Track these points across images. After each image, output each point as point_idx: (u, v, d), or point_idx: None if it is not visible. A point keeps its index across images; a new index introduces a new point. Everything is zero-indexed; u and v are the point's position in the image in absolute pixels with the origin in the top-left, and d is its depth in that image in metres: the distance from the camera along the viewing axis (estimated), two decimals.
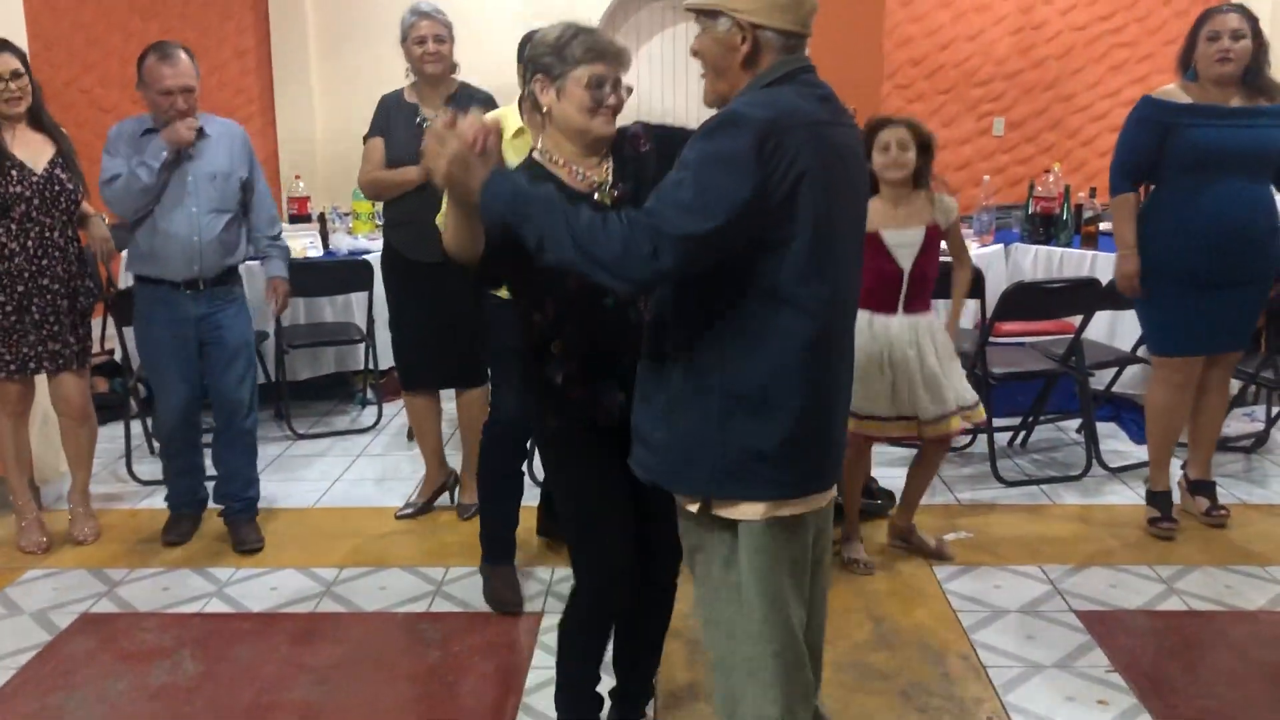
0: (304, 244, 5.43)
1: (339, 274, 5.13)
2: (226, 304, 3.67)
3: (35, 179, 3.56)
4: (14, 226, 3.54)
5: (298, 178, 6.49)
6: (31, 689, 2.89)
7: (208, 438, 3.84)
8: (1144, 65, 7.17)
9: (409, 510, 4.02)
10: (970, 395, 3.42)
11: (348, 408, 5.46)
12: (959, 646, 3.03)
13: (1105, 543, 3.73)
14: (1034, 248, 5.30)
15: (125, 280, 5.36)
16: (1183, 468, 4.01)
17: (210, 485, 3.87)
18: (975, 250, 5.23)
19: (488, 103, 3.81)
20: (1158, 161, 3.60)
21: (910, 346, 3.31)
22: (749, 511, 1.87)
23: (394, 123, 3.79)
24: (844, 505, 3.48)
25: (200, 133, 3.52)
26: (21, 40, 4.14)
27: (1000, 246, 5.34)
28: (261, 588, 3.48)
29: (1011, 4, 7.23)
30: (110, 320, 4.71)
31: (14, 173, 3.52)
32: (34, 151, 3.60)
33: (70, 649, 3.10)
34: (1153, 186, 3.74)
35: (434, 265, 3.50)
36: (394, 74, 3.96)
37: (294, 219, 6.07)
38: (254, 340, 3.88)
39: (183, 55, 3.50)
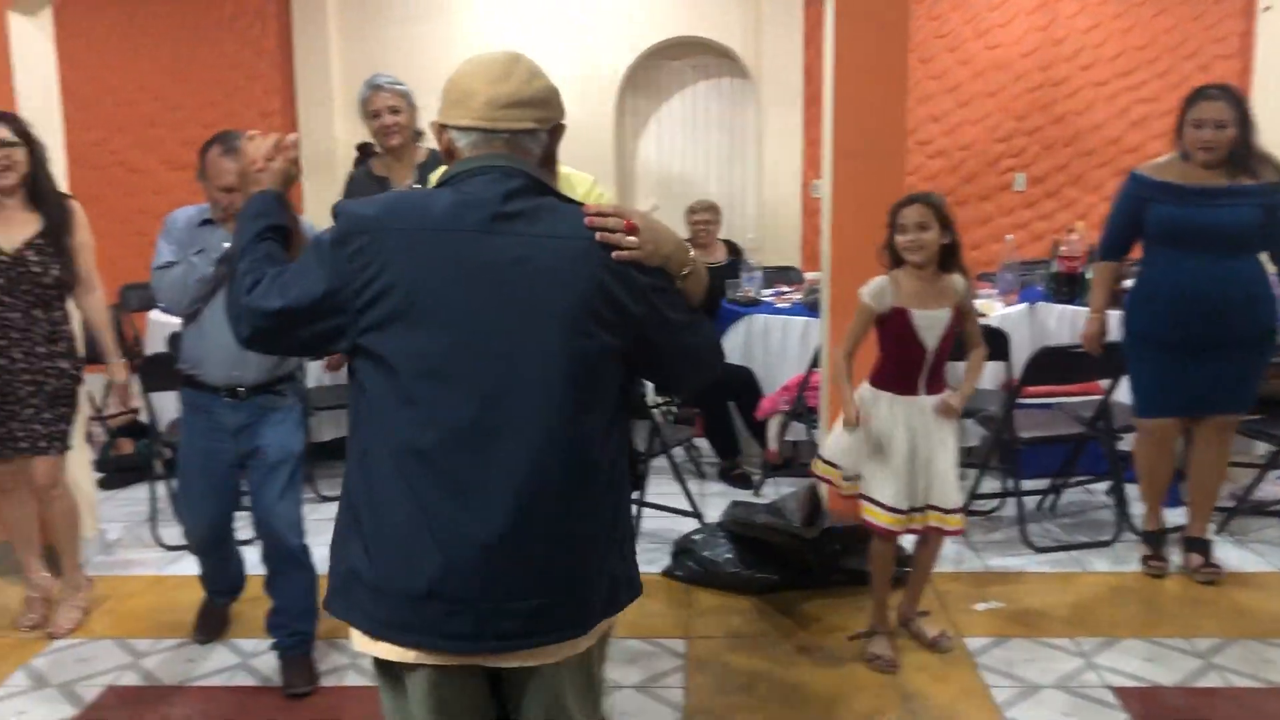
0: None
1: None
2: (271, 413, 3.27)
3: (3, 259, 3.45)
4: None
5: None
6: None
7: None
8: (1165, 120, 7.11)
9: None
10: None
11: None
12: None
13: (1140, 613, 3.68)
14: (1058, 307, 5.28)
15: (155, 344, 5.43)
16: (1181, 529, 4.08)
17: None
18: (1000, 310, 5.23)
19: None
20: (1140, 233, 3.91)
21: (934, 429, 3.25)
22: (356, 640, 1.74)
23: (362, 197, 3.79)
24: (873, 597, 3.42)
25: None
26: (55, 102, 4.22)
27: (1025, 306, 5.33)
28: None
29: (1031, 61, 7.27)
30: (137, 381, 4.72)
31: None
32: (13, 229, 3.49)
33: None
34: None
35: None
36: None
37: None
38: (300, 457, 3.35)
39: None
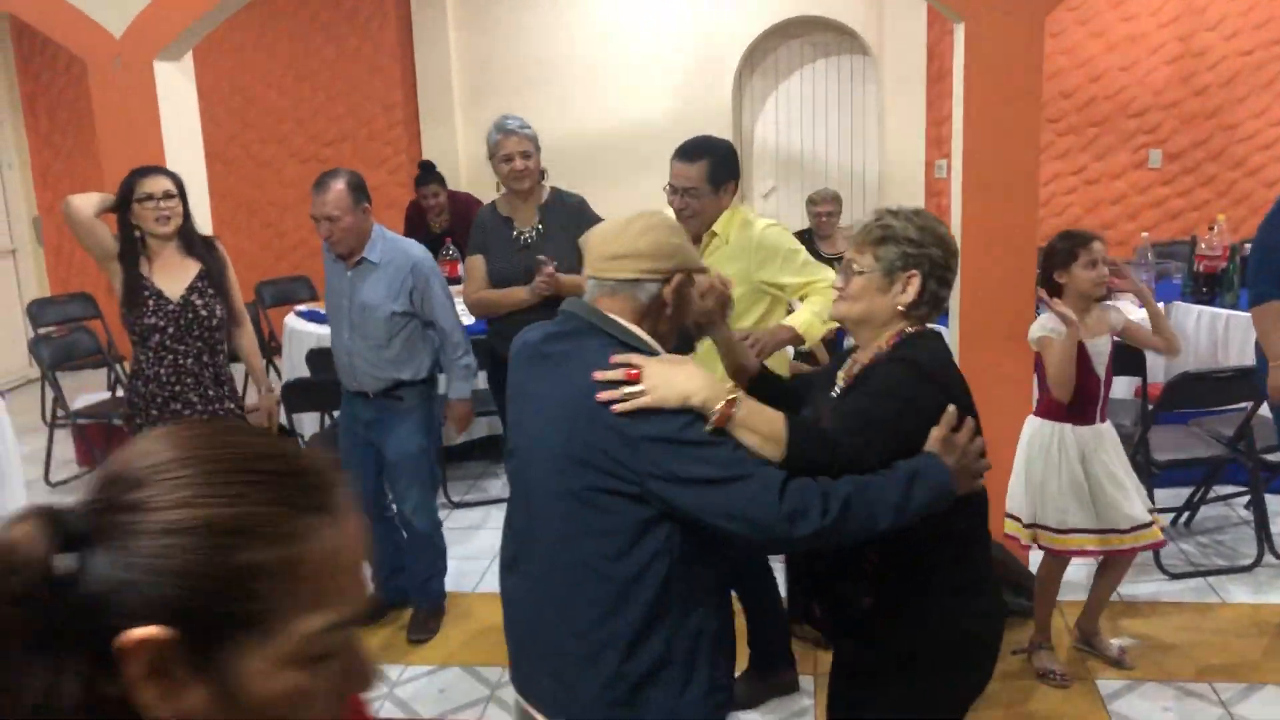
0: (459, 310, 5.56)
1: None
2: (391, 415, 3.76)
3: (171, 307, 3.63)
4: (151, 355, 3.65)
5: (448, 240, 6.66)
6: None
7: None
8: None
9: None
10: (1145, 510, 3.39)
11: (497, 469, 5.62)
12: None
13: None
14: (1197, 308, 5.11)
15: (293, 350, 5.64)
16: None
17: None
18: (1135, 314, 5.05)
19: (580, 206, 3.88)
20: None
21: (1109, 454, 3.33)
22: None
23: (491, 240, 3.86)
24: (1035, 613, 3.52)
25: (364, 262, 3.64)
26: (192, 103, 4.37)
27: (1160, 306, 5.13)
28: (430, 689, 3.63)
29: (1169, 32, 6.94)
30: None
31: (150, 302, 3.61)
32: (175, 276, 3.67)
33: None
34: None
35: None
36: (535, 122, 4.01)
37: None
38: (420, 454, 3.82)
39: (334, 185, 3.55)
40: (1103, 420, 3.37)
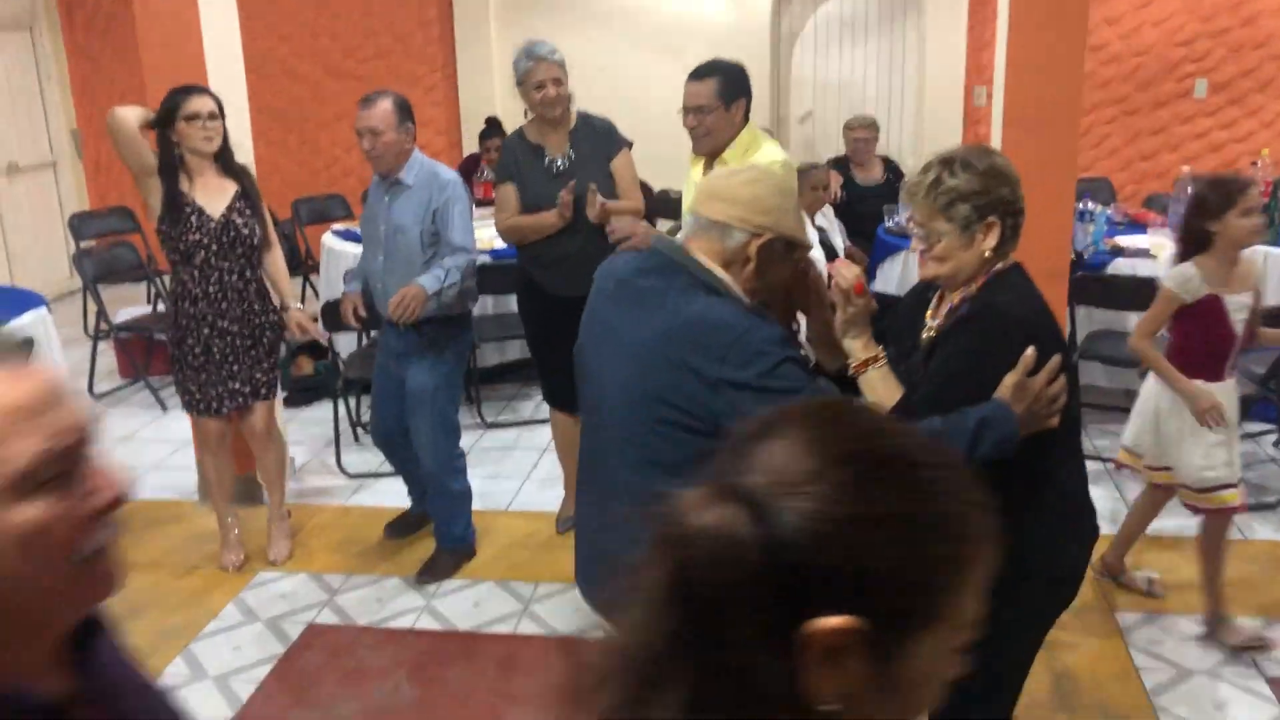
0: (491, 234, 5.58)
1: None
2: (414, 349, 3.77)
3: (213, 225, 3.69)
4: (196, 273, 3.72)
5: (484, 160, 6.67)
6: (274, 705, 3.24)
7: None
8: None
9: (567, 526, 4.17)
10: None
11: (531, 390, 5.70)
12: (1140, 716, 3.05)
13: None
14: None
15: (330, 268, 5.71)
16: None
17: None
18: (1171, 249, 5.00)
19: (608, 130, 3.88)
20: None
21: (1231, 411, 3.26)
22: None
23: (522, 167, 3.87)
24: (1212, 584, 3.40)
25: (399, 184, 3.67)
26: (233, 15, 4.38)
27: None
28: (466, 603, 3.76)
29: None
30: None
31: (193, 219, 3.66)
32: (215, 195, 3.72)
33: (302, 664, 3.44)
34: None
35: (579, 299, 3.69)
36: (571, 46, 4.01)
37: (479, 204, 6.26)
38: (433, 393, 3.79)
39: (381, 102, 3.61)
40: (1230, 376, 3.29)
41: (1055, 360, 1.92)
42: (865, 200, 6.11)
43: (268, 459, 4.07)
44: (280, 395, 5.29)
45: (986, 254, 2.01)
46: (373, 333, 4.97)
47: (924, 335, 2.15)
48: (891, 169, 6.40)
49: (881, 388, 2.07)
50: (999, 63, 4.23)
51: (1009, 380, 1.90)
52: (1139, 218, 5.50)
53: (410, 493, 4.22)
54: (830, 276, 2.15)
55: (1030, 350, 1.90)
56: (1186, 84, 7.02)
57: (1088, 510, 2.18)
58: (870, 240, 5.72)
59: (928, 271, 2.08)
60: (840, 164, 6.41)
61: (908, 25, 7.48)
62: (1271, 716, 3.02)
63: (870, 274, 5.50)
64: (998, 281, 2.04)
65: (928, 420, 1.87)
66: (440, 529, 3.97)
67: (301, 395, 5.70)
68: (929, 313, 2.18)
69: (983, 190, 1.98)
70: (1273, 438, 4.64)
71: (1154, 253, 4.86)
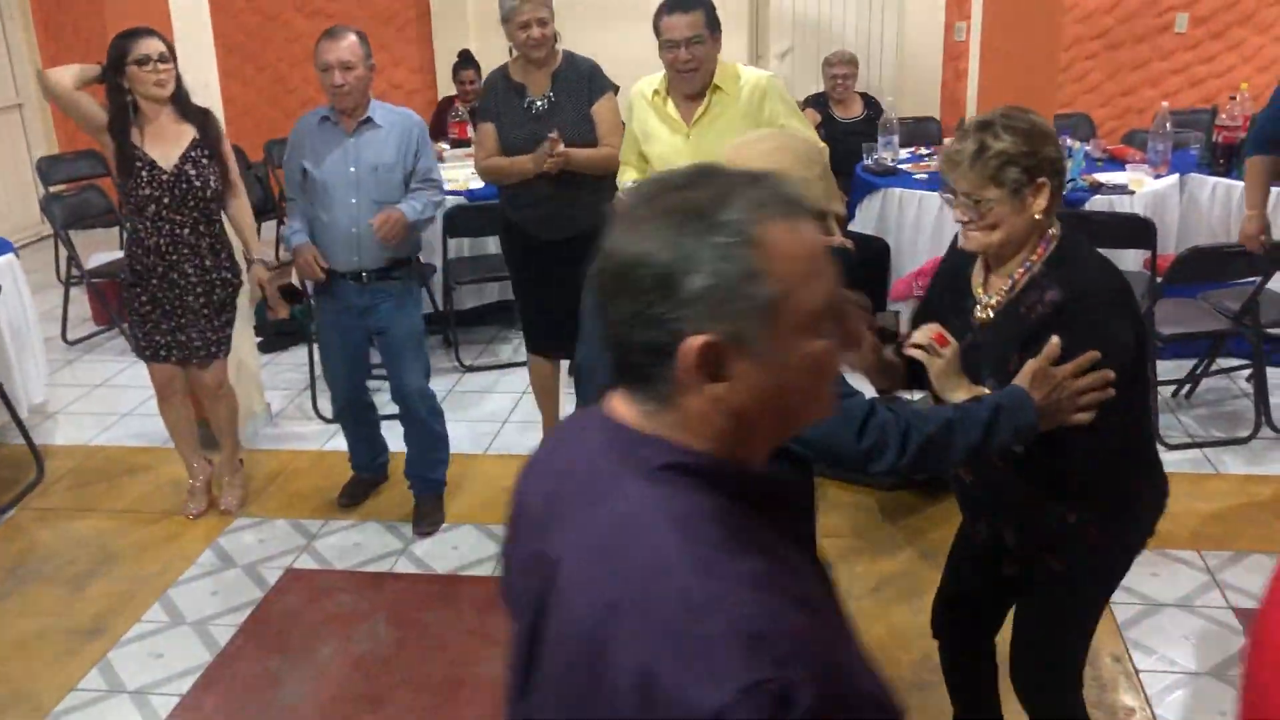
0: (466, 175, 5.52)
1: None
2: (391, 297, 3.67)
3: (165, 177, 3.59)
4: (148, 224, 3.64)
5: (457, 100, 6.57)
6: (253, 650, 3.25)
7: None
8: None
9: None
10: None
11: (509, 334, 5.68)
12: (1112, 646, 3.10)
13: (1271, 525, 3.69)
14: (1212, 180, 5.05)
15: None
16: None
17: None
18: (1149, 185, 5.01)
19: (592, 73, 3.82)
20: None
21: None
22: None
23: (503, 106, 3.80)
24: None
25: (369, 122, 3.55)
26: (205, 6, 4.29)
27: (1175, 178, 5.09)
28: (443, 547, 3.77)
29: None
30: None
31: (144, 174, 3.57)
32: (170, 143, 3.62)
33: (280, 608, 3.45)
34: None
35: (560, 243, 3.66)
36: None
37: (455, 144, 6.18)
38: (421, 335, 3.81)
39: (348, 34, 3.47)
40: None
41: (1088, 356, 1.85)
42: (845, 138, 6.04)
43: (218, 413, 3.99)
44: (255, 341, 5.29)
45: (1037, 216, 1.94)
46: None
47: (979, 312, 2.07)
48: (871, 105, 6.35)
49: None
50: None
51: (1030, 367, 1.85)
52: (1117, 153, 5.46)
53: (359, 458, 4.10)
54: (899, 342, 2.08)
55: (1055, 339, 1.86)
56: (1168, 18, 6.96)
57: (1156, 459, 2.21)
58: (849, 178, 5.68)
59: (976, 243, 1.99)
60: (819, 101, 6.35)
61: None
62: (1237, 648, 3.07)
63: (850, 213, 5.47)
64: (1067, 254, 1.97)
65: (938, 409, 1.84)
66: (426, 476, 3.92)
67: (278, 339, 5.65)
68: (978, 288, 2.10)
69: (1030, 151, 1.91)
70: (1246, 373, 4.66)
71: (1132, 188, 4.84)
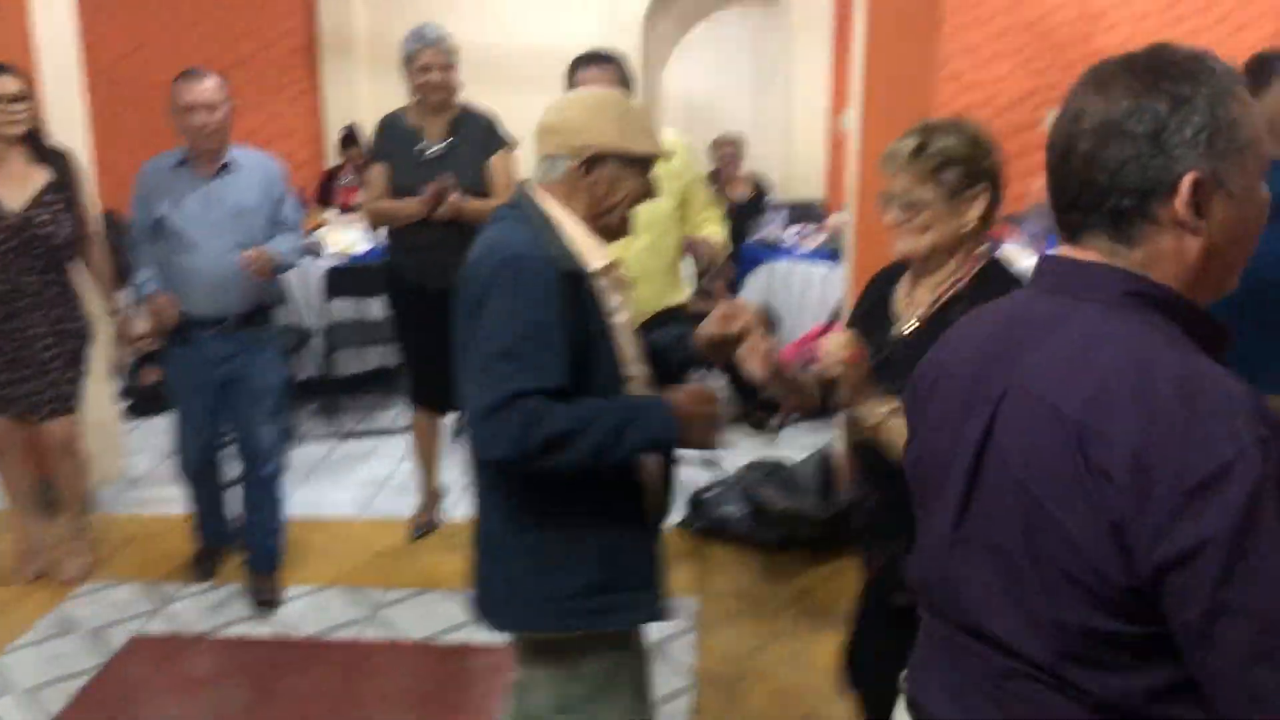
0: (351, 239, 5.42)
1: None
2: (253, 346, 3.45)
3: (10, 222, 3.38)
4: None
5: (344, 167, 6.50)
6: (89, 717, 2.98)
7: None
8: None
9: (421, 531, 4.05)
10: None
11: (390, 401, 5.51)
12: None
13: None
14: None
15: None
16: None
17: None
18: (1026, 261, 5.15)
19: (490, 125, 3.80)
20: None
21: None
22: None
23: (396, 150, 3.74)
24: None
25: (228, 166, 3.37)
26: (72, 14, 4.14)
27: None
28: (310, 608, 3.56)
29: None
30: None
31: None
32: (17, 186, 3.43)
33: (124, 674, 3.19)
34: None
35: (446, 291, 3.58)
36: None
37: (344, 210, 6.08)
38: (283, 386, 3.60)
39: (209, 78, 3.30)
40: None
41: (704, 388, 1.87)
42: (733, 217, 6.13)
43: (64, 472, 3.72)
44: (123, 404, 5.04)
45: (970, 226, 1.89)
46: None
47: (900, 329, 2.00)
48: (757, 185, 6.47)
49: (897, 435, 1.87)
50: (854, 87, 4.30)
51: (687, 389, 1.84)
52: (995, 234, 5.64)
53: (205, 527, 3.79)
54: (808, 359, 2.03)
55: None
56: (1039, 113, 7.27)
57: None
58: (736, 255, 5.73)
59: (905, 246, 1.93)
60: (709, 181, 6.44)
61: (774, 50, 7.60)
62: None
63: (737, 286, 5.51)
64: (993, 276, 1.91)
65: (584, 406, 1.76)
66: (269, 546, 3.61)
67: (149, 404, 5.39)
68: (902, 302, 2.03)
69: (972, 155, 1.87)
70: None
71: (1008, 262, 4.97)
